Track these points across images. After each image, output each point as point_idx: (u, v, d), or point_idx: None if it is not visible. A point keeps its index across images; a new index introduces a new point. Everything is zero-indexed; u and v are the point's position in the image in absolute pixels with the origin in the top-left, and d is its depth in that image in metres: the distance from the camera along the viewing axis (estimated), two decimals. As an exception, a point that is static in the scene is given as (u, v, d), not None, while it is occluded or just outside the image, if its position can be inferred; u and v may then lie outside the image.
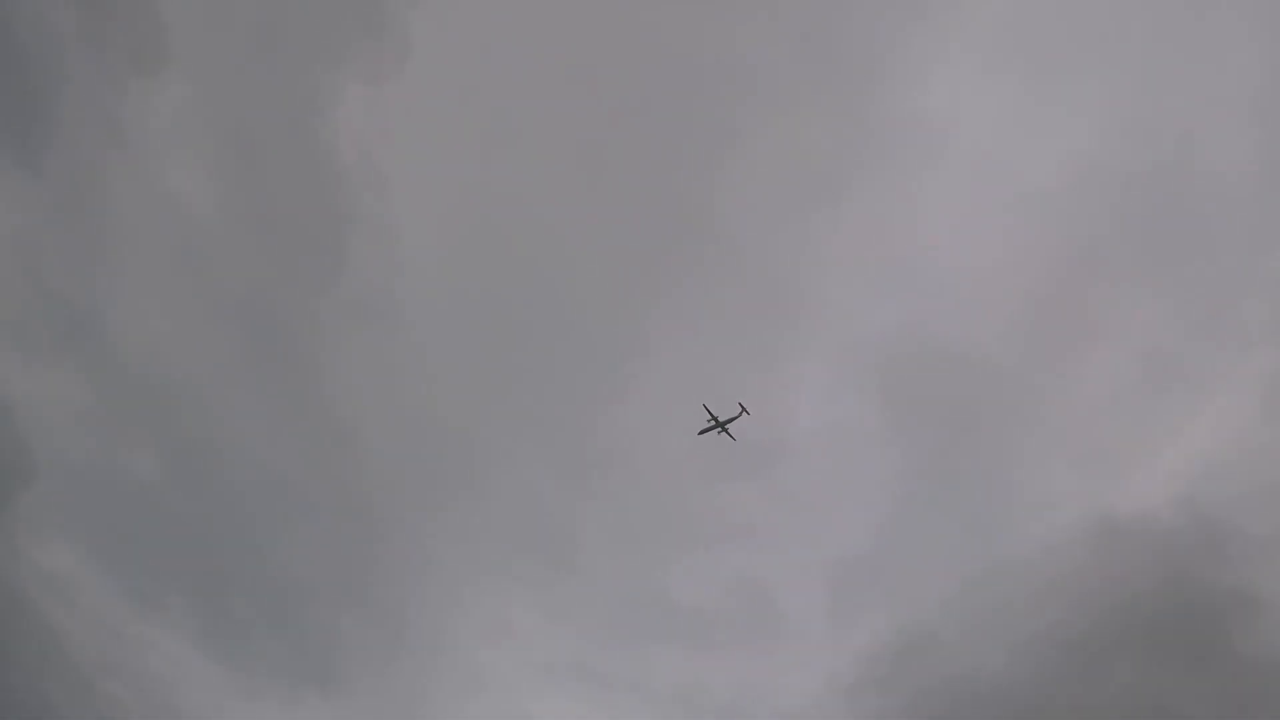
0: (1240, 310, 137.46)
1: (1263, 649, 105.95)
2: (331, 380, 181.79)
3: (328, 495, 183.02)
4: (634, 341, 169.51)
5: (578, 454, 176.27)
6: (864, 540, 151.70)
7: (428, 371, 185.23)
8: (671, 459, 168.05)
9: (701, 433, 74.95)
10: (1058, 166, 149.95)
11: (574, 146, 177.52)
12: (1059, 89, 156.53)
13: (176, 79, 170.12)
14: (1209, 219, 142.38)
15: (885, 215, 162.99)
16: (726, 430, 74.03)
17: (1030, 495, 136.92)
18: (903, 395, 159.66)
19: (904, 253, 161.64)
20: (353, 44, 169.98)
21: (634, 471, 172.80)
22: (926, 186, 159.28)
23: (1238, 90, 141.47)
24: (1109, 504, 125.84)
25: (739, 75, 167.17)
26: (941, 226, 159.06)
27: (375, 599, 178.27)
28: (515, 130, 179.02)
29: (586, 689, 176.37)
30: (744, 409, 72.65)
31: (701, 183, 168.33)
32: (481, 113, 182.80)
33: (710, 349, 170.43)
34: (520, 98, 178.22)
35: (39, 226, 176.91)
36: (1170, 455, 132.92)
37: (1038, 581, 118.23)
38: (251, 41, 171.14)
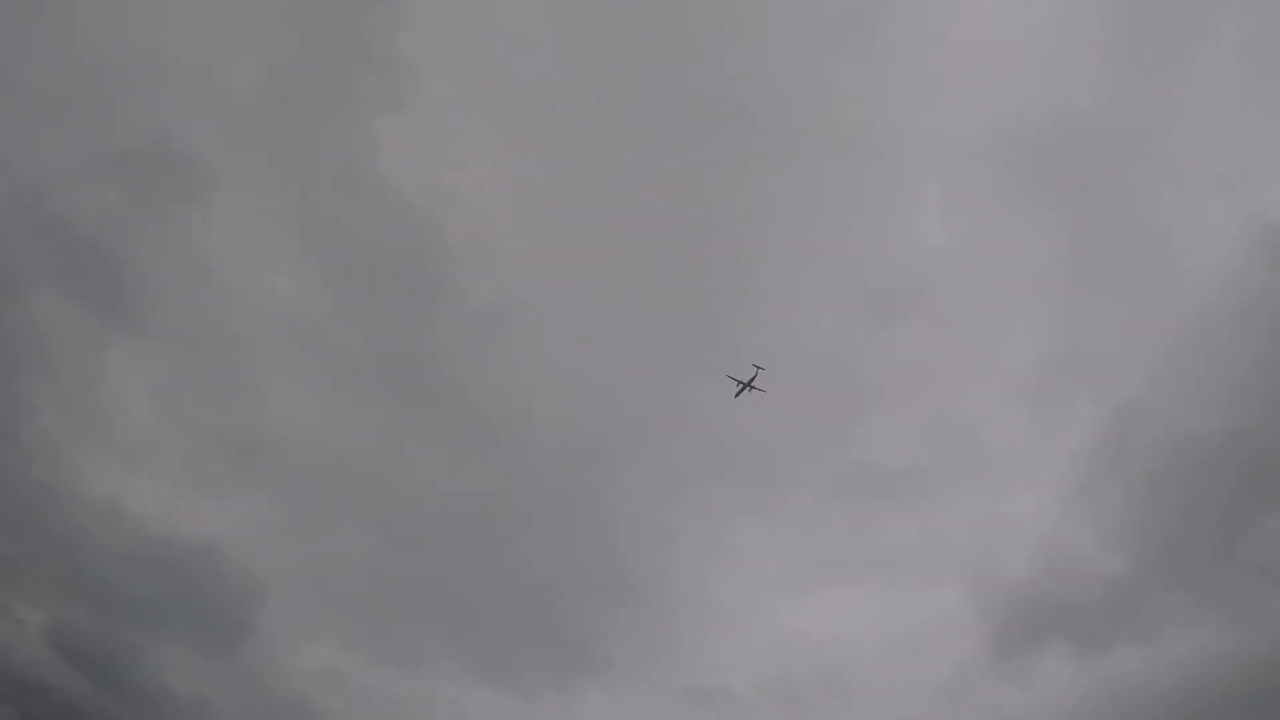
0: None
1: None
2: (494, 402, 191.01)
3: (524, 504, 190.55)
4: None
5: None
6: (1044, 346, 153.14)
7: (577, 369, 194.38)
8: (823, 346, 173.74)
9: (737, 395, 78.42)
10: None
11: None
12: None
13: (232, 189, 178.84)
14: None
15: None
16: (754, 387, 77.90)
17: (1190, 234, 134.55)
18: (1027, 188, 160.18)
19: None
20: (362, 80, 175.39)
21: (804, 361, 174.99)
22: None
23: None
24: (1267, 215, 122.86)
25: None
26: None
27: (619, 581, 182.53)
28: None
29: (827, 580, 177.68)
30: (758, 367, 73.23)
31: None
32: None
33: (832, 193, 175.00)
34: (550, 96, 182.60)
35: (194, 374, 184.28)
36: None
37: (1227, 319, 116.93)
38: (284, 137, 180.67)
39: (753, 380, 77.73)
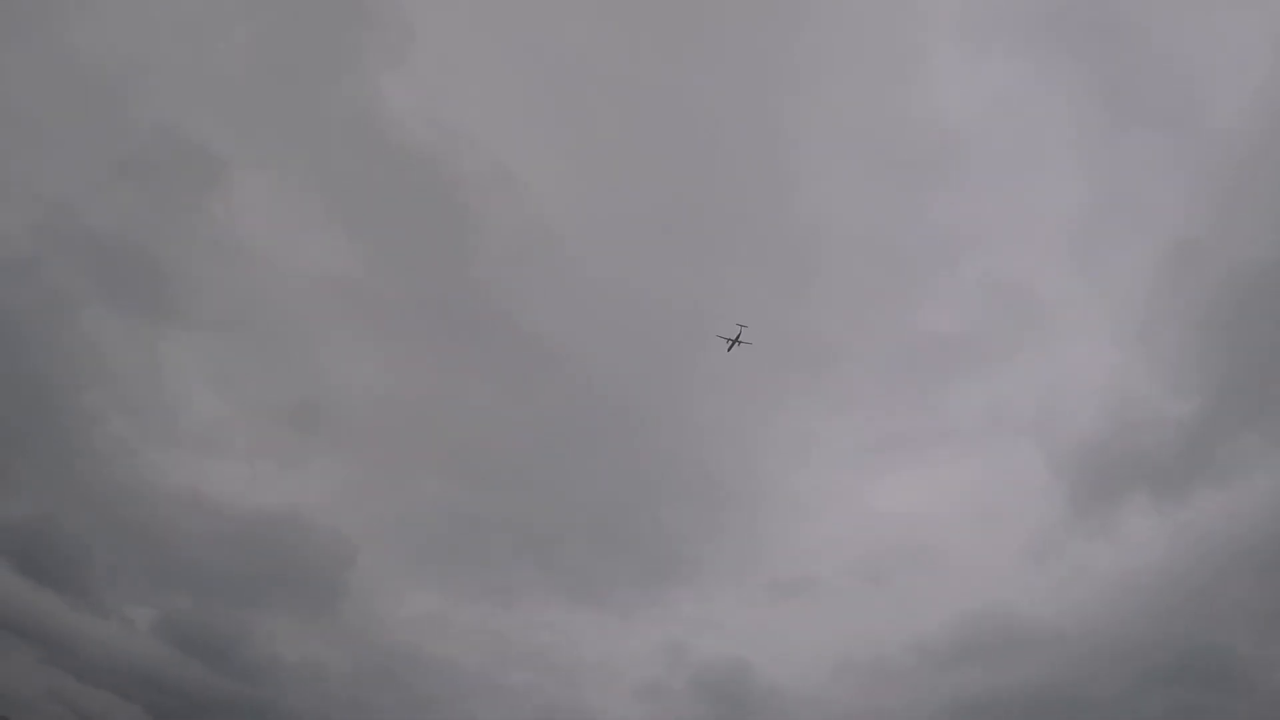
0: None
1: None
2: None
3: (588, 424, 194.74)
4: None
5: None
6: (1085, 194, 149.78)
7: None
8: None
9: (729, 350, 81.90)
10: None
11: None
12: None
13: (247, 169, 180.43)
14: None
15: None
16: (741, 341, 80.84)
17: (1219, 58, 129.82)
18: (1045, 34, 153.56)
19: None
20: (355, 37, 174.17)
21: (845, 242, 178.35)
22: None
23: None
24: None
25: None
26: None
27: (695, 487, 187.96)
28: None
29: (900, 458, 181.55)
30: (741, 325, 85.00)
31: None
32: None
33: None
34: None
35: (246, 353, 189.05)
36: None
37: (1270, 140, 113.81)
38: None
39: (739, 336, 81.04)
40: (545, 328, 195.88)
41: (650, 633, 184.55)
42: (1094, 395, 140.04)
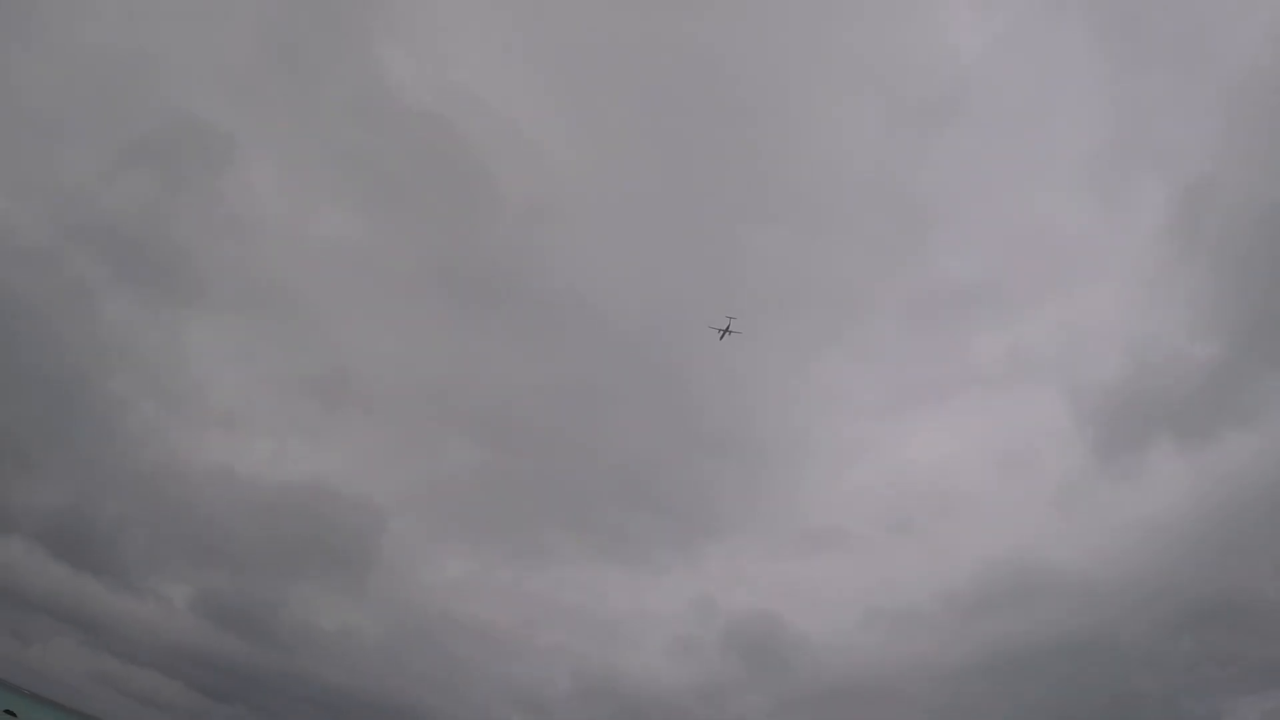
0: None
1: None
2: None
3: (609, 383, 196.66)
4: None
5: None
6: (1100, 133, 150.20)
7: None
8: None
9: (721, 339, 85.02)
10: None
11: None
12: None
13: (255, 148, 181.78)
14: None
15: None
16: (731, 330, 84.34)
17: None
18: None
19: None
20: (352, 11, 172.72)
21: (857, 189, 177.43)
22: None
23: None
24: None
25: None
26: None
27: (722, 442, 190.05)
28: None
29: (923, 408, 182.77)
30: (730, 318, 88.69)
31: None
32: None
33: None
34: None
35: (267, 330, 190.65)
36: None
37: None
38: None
39: (729, 327, 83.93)
40: (565, 286, 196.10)
41: (681, 588, 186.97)
42: (1116, 338, 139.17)
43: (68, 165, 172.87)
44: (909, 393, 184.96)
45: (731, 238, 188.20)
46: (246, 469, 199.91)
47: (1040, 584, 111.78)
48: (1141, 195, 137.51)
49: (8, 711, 73.73)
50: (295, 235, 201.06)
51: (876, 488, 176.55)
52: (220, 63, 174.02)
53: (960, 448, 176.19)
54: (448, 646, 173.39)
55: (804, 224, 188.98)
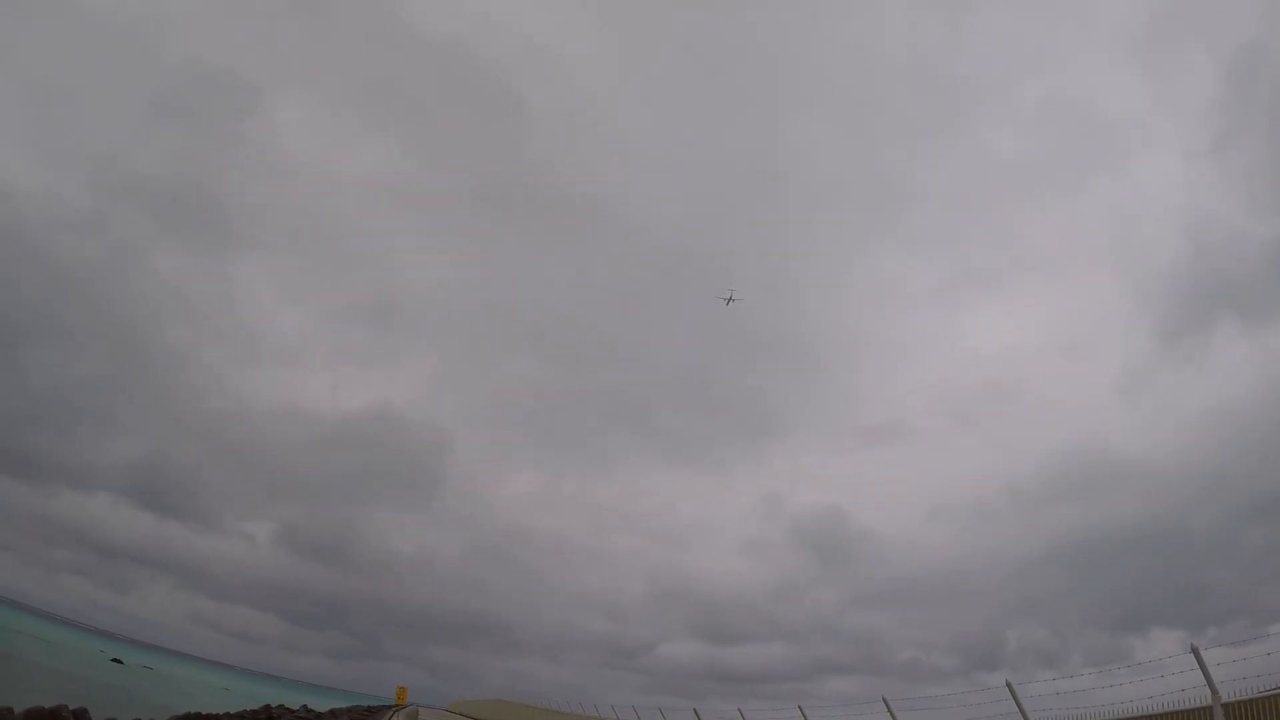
0: None
1: None
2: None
3: (657, 287, 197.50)
4: None
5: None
6: (1143, 1, 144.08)
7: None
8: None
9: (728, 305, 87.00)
10: None
11: None
12: None
13: (280, 88, 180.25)
14: None
15: None
16: (734, 299, 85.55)
17: None
18: None
19: None
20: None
21: (890, 71, 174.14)
22: None
23: None
24: None
25: None
26: None
27: (780, 341, 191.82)
28: None
29: (979, 296, 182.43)
30: (732, 289, 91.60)
31: None
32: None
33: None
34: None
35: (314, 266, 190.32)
36: None
37: None
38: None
39: (731, 297, 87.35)
40: (606, 196, 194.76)
41: (747, 488, 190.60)
42: (1171, 217, 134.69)
43: (97, 130, 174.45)
44: (962, 281, 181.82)
45: (768, 133, 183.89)
46: (309, 404, 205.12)
47: (1106, 474, 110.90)
48: (1189, 62, 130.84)
49: (115, 659, 77.50)
50: (330, 171, 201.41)
51: (935, 380, 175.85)
52: (234, 10, 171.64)
53: (1019, 336, 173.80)
54: (523, 560, 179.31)
55: (839, 114, 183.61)
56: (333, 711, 40.36)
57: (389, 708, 52.14)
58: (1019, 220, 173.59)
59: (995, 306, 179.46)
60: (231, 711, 28.19)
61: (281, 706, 38.46)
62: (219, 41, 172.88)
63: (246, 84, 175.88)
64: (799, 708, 10.31)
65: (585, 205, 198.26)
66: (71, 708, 12.20)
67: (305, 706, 43.26)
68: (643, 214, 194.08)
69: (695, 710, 13.33)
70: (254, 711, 30.61)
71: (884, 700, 8.94)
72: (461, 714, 56.07)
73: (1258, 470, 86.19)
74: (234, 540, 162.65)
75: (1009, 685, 7.46)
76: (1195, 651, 5.79)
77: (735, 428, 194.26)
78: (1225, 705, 5.70)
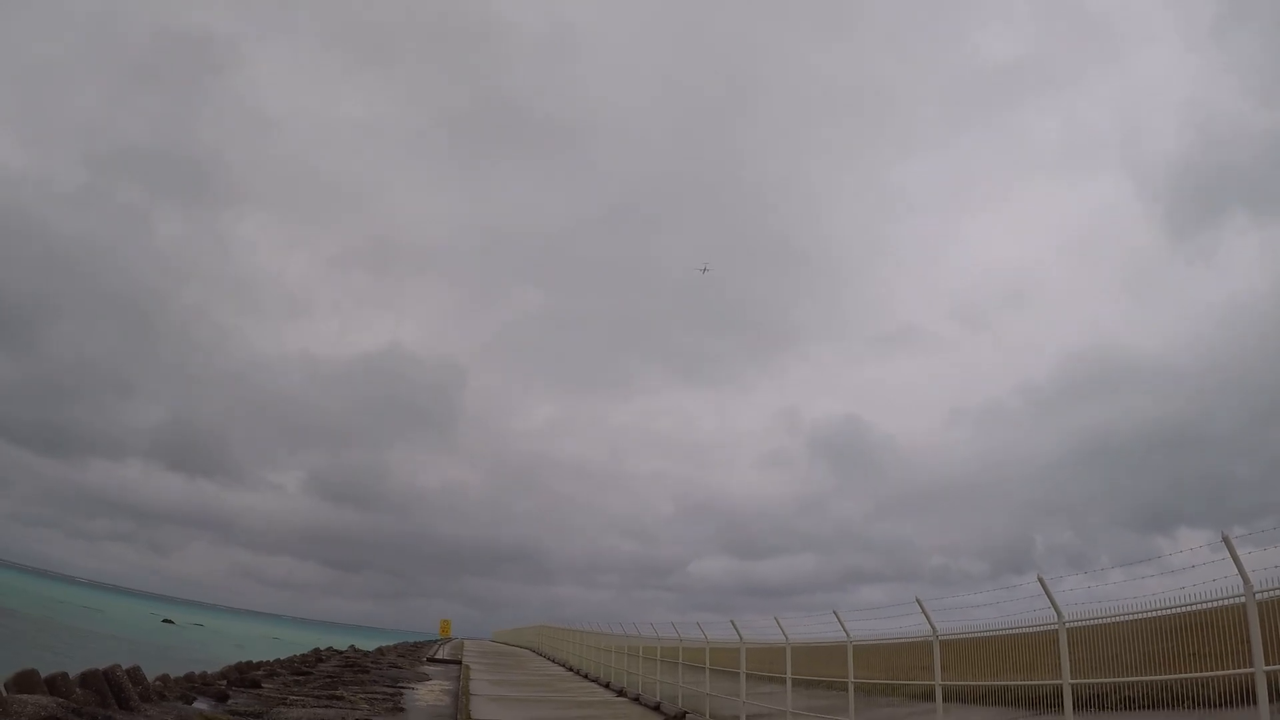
0: None
1: None
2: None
3: (657, 207, 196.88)
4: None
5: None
6: None
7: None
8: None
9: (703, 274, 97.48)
10: None
11: None
12: None
13: (256, 42, 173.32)
14: None
15: None
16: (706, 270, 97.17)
17: None
18: None
19: None
20: None
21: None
22: None
23: None
24: None
25: None
26: None
27: (785, 254, 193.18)
28: None
29: (985, 199, 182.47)
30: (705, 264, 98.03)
31: None
32: None
33: None
34: None
35: (308, 211, 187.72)
36: None
37: None
38: None
39: (705, 268, 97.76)
40: (595, 112, 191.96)
41: (766, 402, 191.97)
42: (1175, 109, 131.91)
43: (77, 103, 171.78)
44: (965, 185, 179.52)
45: (750, 42, 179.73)
46: (322, 349, 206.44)
47: (1121, 373, 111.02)
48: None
49: (166, 620, 79.74)
50: (315, 119, 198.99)
51: (943, 283, 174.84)
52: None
53: (1025, 236, 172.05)
54: (547, 487, 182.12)
55: (821, 20, 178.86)
56: (380, 649, 41.47)
57: (435, 642, 53.52)
58: (1015, 117, 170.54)
59: (998, 206, 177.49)
60: (281, 658, 29.02)
61: (330, 649, 39.52)
62: (188, 3, 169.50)
63: (221, 40, 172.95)
64: (834, 613, 10.44)
65: (574, 124, 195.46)
66: (125, 667, 12.49)
67: (353, 647, 44.55)
68: (633, 128, 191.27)
69: (733, 622, 13.56)
70: (304, 655, 31.47)
71: (917, 600, 9.03)
72: (506, 643, 57.51)
73: (1273, 366, 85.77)
74: (265, 492, 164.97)
75: (1040, 579, 7.50)
76: (1226, 540, 5.72)
77: (749, 341, 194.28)
78: (1259, 601, 5.65)
